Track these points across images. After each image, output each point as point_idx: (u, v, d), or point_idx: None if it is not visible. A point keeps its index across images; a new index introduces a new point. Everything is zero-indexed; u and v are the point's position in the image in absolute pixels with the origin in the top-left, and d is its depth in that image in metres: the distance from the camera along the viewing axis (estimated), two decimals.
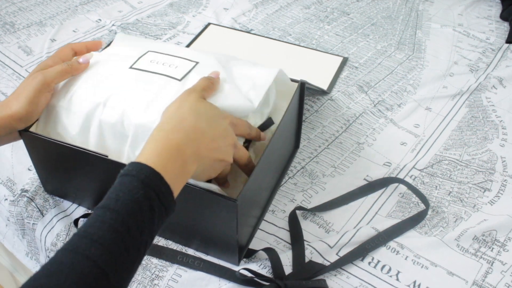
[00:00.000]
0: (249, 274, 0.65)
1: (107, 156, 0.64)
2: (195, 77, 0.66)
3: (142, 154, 0.51)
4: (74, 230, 0.73)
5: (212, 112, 0.59)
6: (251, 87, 0.68)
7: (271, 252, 0.69)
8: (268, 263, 0.68)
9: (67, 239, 0.72)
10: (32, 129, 0.68)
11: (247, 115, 0.66)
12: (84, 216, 0.75)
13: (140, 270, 0.68)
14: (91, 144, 0.67)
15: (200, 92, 0.61)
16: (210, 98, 0.63)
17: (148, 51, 0.72)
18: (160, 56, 0.71)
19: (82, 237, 0.44)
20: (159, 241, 0.72)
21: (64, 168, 0.72)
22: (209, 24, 1.22)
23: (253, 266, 0.68)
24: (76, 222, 0.74)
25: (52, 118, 0.68)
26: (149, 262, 0.69)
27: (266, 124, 0.71)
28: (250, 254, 0.70)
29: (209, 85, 0.63)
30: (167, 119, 0.56)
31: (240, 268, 0.67)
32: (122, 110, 0.64)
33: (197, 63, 0.70)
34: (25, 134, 0.68)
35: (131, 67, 0.69)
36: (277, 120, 0.72)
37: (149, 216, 0.47)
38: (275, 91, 0.76)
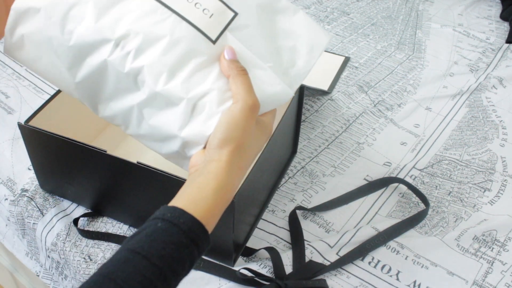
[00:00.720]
0: (249, 274, 0.65)
1: (105, 151, 0.63)
2: (231, 41, 0.55)
3: (193, 199, 0.46)
4: (74, 229, 0.73)
5: (262, 140, 0.54)
6: (292, 62, 0.57)
7: (272, 252, 0.69)
8: (268, 263, 0.68)
9: (67, 239, 0.72)
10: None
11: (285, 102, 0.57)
12: (84, 215, 0.75)
13: None
14: (78, 78, 0.55)
15: (257, 109, 0.52)
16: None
17: None
18: None
19: (110, 280, 0.41)
20: None
21: (62, 163, 0.71)
22: None
23: (253, 266, 0.68)
24: (75, 221, 0.74)
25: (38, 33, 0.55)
26: None
27: None
28: (250, 253, 0.70)
29: (251, 84, 0.53)
30: (221, 155, 0.49)
31: (240, 267, 0.67)
32: (140, 65, 0.52)
33: (236, 14, 0.56)
34: (24, 127, 0.67)
35: None
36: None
37: (187, 270, 0.45)
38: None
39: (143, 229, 0.44)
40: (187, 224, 0.44)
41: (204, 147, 0.52)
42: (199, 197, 0.47)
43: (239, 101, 0.50)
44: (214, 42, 0.54)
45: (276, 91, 0.55)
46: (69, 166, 0.71)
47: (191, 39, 0.53)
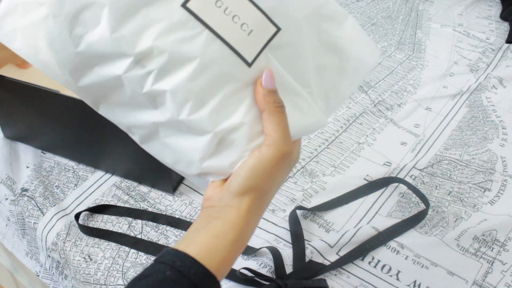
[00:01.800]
0: (249, 274, 0.65)
1: (58, 92, 0.61)
2: (269, 63, 0.46)
3: (208, 248, 0.42)
4: (74, 229, 0.73)
5: (286, 175, 0.48)
6: (333, 85, 0.51)
7: (274, 251, 0.69)
8: (269, 262, 0.68)
9: (67, 238, 0.72)
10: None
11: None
12: (87, 210, 0.75)
13: (140, 269, 0.68)
14: (81, 83, 0.47)
15: (291, 155, 0.47)
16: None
17: None
18: None
19: None
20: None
21: (19, 108, 0.71)
22: None
23: (253, 265, 0.68)
24: (77, 216, 0.74)
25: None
26: (150, 262, 0.69)
27: None
28: (251, 251, 0.70)
29: (287, 123, 0.46)
30: (242, 201, 0.45)
31: (240, 267, 0.67)
32: (163, 89, 0.45)
33: (279, 29, 0.46)
34: None
35: (184, 5, 0.43)
36: None
37: None
38: None
39: (150, 274, 0.40)
40: (199, 276, 0.40)
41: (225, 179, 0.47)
42: (214, 246, 0.42)
43: (272, 146, 0.44)
44: (250, 65, 0.45)
45: (311, 121, 0.49)
46: (27, 110, 0.70)
47: (224, 62, 0.45)
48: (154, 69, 0.44)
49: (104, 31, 0.44)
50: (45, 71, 0.48)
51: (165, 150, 0.49)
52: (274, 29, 0.46)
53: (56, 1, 0.44)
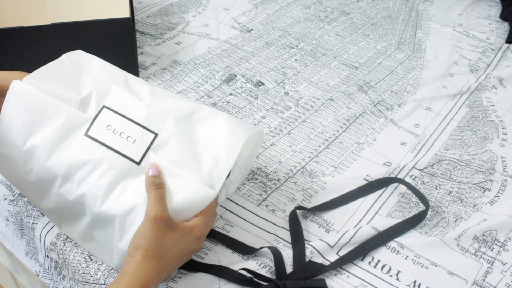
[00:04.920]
0: (248, 275, 0.65)
1: None
2: (154, 159, 0.63)
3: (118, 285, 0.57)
4: None
5: (178, 248, 0.62)
6: (213, 165, 0.63)
7: (274, 251, 0.69)
8: (268, 262, 0.68)
9: (68, 239, 0.72)
10: None
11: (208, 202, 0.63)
12: None
13: None
14: (43, 206, 0.68)
15: (167, 222, 0.60)
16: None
17: (103, 107, 0.66)
18: (116, 120, 0.65)
19: None
20: None
21: None
22: None
23: (253, 265, 0.68)
24: None
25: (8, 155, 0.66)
26: None
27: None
28: (251, 251, 0.70)
29: (162, 196, 0.61)
30: (133, 257, 0.59)
31: (239, 268, 0.67)
32: (82, 192, 0.62)
33: (156, 135, 0.64)
34: None
35: (86, 134, 0.64)
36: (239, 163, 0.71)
37: None
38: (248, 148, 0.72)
39: None
40: None
41: None
42: (119, 281, 0.57)
43: (145, 214, 0.60)
44: (138, 163, 0.63)
45: (193, 192, 0.62)
46: None
47: (119, 165, 0.62)
48: (75, 180, 0.63)
49: (40, 162, 0.64)
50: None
51: (102, 247, 0.66)
52: (153, 135, 0.64)
53: (12, 151, 0.66)
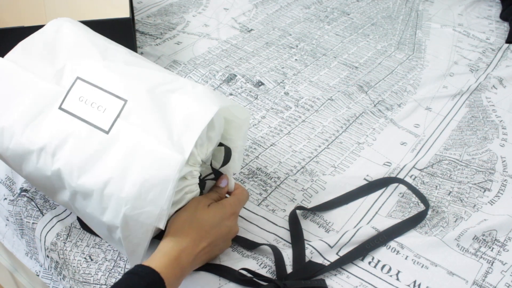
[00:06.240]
0: (249, 275, 0.65)
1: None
2: (123, 127, 0.61)
3: (153, 259, 0.60)
4: (75, 230, 0.73)
5: (213, 220, 0.65)
6: (183, 130, 0.62)
7: (275, 250, 0.69)
8: (269, 263, 0.68)
9: (68, 239, 0.72)
10: None
11: (180, 168, 0.60)
12: None
13: None
14: (23, 175, 0.69)
15: (207, 202, 0.66)
16: (130, 168, 0.60)
17: (77, 79, 0.65)
18: (89, 90, 0.64)
19: None
20: None
21: None
22: None
23: (253, 265, 0.68)
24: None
25: None
26: None
27: (226, 159, 0.69)
28: (253, 246, 0.70)
29: (217, 198, 0.69)
30: (175, 231, 0.63)
31: (239, 268, 0.67)
32: (57, 167, 0.62)
33: (126, 101, 0.63)
34: None
35: (60, 107, 0.64)
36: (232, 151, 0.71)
37: None
38: (221, 118, 0.68)
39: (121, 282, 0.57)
40: (145, 273, 0.57)
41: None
42: (156, 255, 0.61)
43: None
44: (107, 132, 0.62)
45: (161, 158, 0.60)
46: None
47: (90, 137, 0.62)
48: (48, 154, 0.63)
49: (16, 138, 0.65)
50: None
51: (93, 218, 0.64)
52: (122, 102, 0.62)
53: None
